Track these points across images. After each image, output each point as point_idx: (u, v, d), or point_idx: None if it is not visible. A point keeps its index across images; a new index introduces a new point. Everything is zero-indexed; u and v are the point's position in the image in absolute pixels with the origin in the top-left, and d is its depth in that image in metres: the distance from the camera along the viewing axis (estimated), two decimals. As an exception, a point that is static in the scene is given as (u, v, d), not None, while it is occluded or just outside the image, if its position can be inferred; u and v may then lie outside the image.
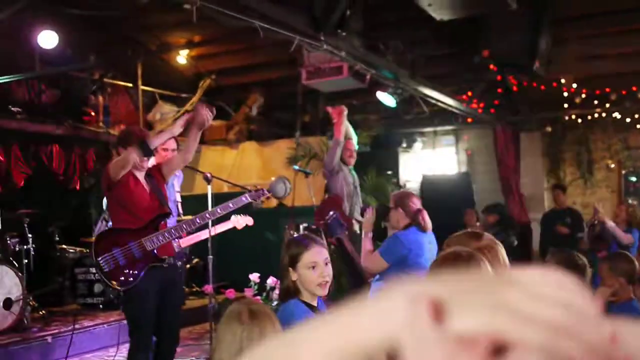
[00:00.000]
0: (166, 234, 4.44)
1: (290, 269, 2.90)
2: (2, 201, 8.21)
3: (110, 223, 5.68)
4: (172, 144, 5.28)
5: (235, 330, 2.12)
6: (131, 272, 4.31)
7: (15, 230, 7.88)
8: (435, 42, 9.14)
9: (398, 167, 11.64)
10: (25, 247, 7.80)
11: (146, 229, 4.41)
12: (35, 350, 6.59)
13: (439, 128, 12.42)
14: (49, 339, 6.79)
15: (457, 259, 2.34)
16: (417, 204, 4.72)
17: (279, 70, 11.56)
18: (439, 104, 9.82)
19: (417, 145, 12.61)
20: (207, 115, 4.62)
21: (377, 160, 10.25)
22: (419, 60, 8.95)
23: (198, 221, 4.75)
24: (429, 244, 4.67)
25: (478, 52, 9.22)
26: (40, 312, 7.62)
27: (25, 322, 7.22)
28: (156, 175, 4.67)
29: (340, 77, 7.59)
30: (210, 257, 5.71)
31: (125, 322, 6.68)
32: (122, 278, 4.30)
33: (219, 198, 5.82)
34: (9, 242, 7.56)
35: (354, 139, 7.74)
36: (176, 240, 5.57)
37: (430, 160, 12.64)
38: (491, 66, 9.90)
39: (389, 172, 10.80)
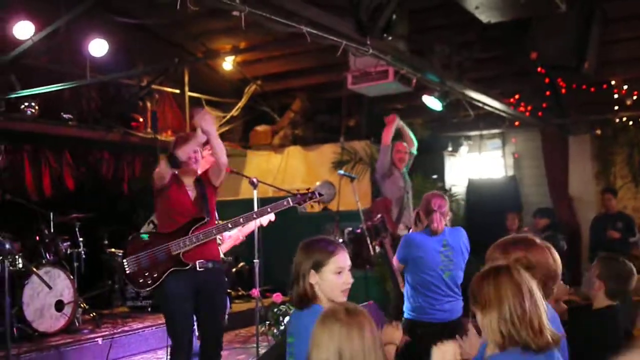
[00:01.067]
0: (193, 238, 4.46)
1: (313, 271, 2.86)
2: (54, 206, 8.41)
3: (151, 227, 5.79)
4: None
5: (333, 329, 2.12)
6: (151, 275, 4.39)
7: (67, 234, 8.07)
8: (481, 45, 9.03)
9: (444, 171, 11.55)
10: (76, 250, 7.98)
11: (177, 233, 4.47)
12: (86, 352, 6.72)
13: (485, 131, 12.27)
14: (99, 340, 6.92)
15: (498, 274, 2.36)
16: (435, 205, 4.64)
17: (324, 75, 11.58)
18: (486, 107, 9.70)
19: (463, 148, 12.47)
20: (201, 115, 4.64)
21: (423, 165, 10.16)
22: (465, 63, 8.85)
23: (230, 226, 4.76)
24: (440, 246, 4.61)
25: (526, 54, 9.08)
26: (91, 314, 7.77)
27: (77, 323, 7.38)
28: (205, 181, 4.72)
29: (386, 81, 7.56)
30: (257, 260, 5.75)
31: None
32: (142, 280, 4.39)
33: (265, 202, 5.85)
34: (60, 245, 7.74)
35: (413, 143, 7.74)
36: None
37: (476, 164, 12.49)
38: (539, 68, 9.74)
39: (435, 176, 10.72)
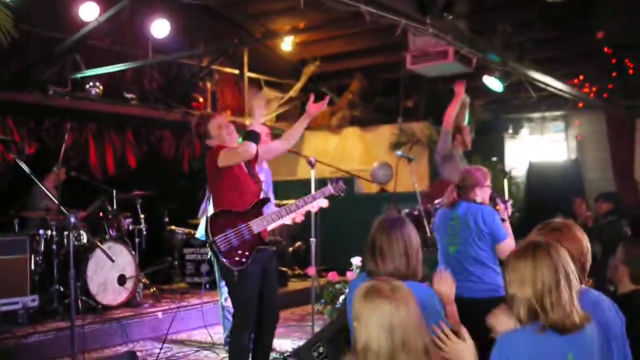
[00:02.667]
0: (269, 218, 4.55)
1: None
2: (117, 183, 8.64)
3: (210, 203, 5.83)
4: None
5: (381, 306, 2.13)
6: (243, 253, 4.43)
7: (129, 211, 8.28)
8: (544, 25, 8.80)
9: (504, 153, 11.36)
10: (137, 227, 8.19)
11: (251, 212, 4.51)
12: (146, 325, 6.91)
13: (547, 113, 12.00)
14: (159, 314, 7.10)
15: (536, 250, 2.37)
16: (457, 178, 4.71)
17: (382, 56, 11.50)
18: (548, 88, 9.46)
19: (524, 131, 12.24)
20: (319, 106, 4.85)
21: (482, 147, 10.01)
22: (527, 43, 8.65)
23: (294, 207, 4.79)
24: (449, 219, 4.60)
25: (590, 33, 8.82)
26: (151, 289, 7.98)
27: (138, 298, 7.59)
28: (251, 161, 4.74)
29: (445, 61, 7.43)
30: (313, 240, 5.78)
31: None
32: (237, 259, 4.41)
33: (321, 183, 5.87)
34: (123, 222, 7.95)
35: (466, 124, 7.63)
36: None
37: (537, 146, 12.24)
38: (605, 49, 9.45)
39: (494, 159, 10.54)
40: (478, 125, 10.97)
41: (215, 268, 5.60)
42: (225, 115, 10.98)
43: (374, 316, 2.12)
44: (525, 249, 2.42)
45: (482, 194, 4.64)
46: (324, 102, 5.06)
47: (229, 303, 5.57)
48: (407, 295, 2.21)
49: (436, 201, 7.09)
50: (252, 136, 4.43)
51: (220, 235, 4.38)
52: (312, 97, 5.08)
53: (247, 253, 4.42)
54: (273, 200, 5.86)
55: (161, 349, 6.13)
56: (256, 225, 4.47)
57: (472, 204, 4.57)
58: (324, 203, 5.48)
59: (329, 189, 4.92)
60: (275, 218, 4.64)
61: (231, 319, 5.62)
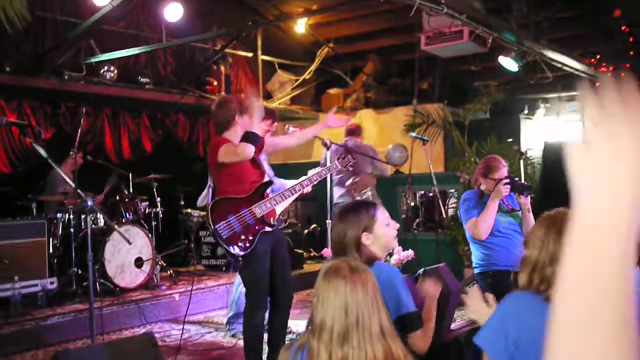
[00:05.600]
0: (272, 201, 4.62)
1: (366, 234, 2.95)
2: (132, 167, 8.69)
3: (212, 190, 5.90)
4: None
5: (338, 286, 2.17)
6: (247, 237, 4.47)
7: (145, 194, 8.34)
8: (560, 4, 8.71)
9: (519, 134, 11.27)
10: (154, 210, 8.25)
11: (253, 197, 4.56)
12: (163, 307, 6.97)
13: (563, 94, 11.89)
14: (176, 296, 7.16)
15: (548, 217, 2.43)
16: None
17: (396, 37, 11.44)
18: (564, 68, 9.38)
19: (540, 111, 12.13)
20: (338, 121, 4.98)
21: (497, 128, 9.96)
22: (543, 22, 8.57)
23: (298, 188, 4.88)
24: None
25: (608, 12, 8.70)
26: (168, 272, 8.04)
27: (155, 280, 7.66)
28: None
29: (460, 41, 7.40)
30: (329, 221, 5.79)
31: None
32: (240, 244, 4.46)
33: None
34: (139, 205, 8.01)
35: None
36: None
37: (553, 127, 12.14)
38: (623, 27, 9.33)
39: (510, 140, 10.48)
40: (493, 107, 10.93)
41: None
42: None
43: (330, 295, 2.16)
44: (542, 217, 2.47)
45: (487, 184, 4.77)
46: (347, 119, 5.13)
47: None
48: (366, 276, 2.22)
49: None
50: (251, 137, 4.49)
51: (222, 222, 4.43)
52: (334, 109, 5.25)
53: (250, 238, 4.47)
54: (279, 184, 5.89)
55: (183, 329, 6.18)
56: (259, 209, 4.53)
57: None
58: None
59: (335, 164, 5.01)
60: (279, 200, 4.69)
61: (239, 303, 5.70)
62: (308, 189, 5.48)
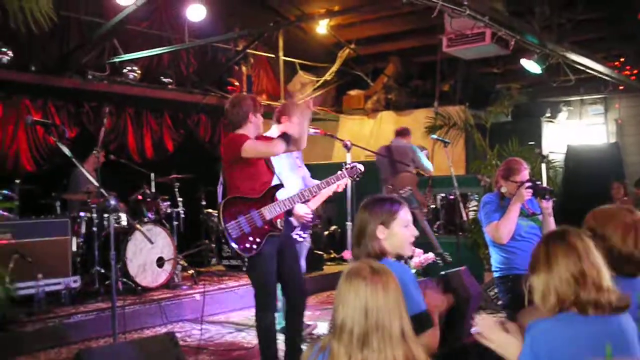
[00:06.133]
0: (282, 204, 4.64)
1: (382, 227, 2.93)
2: (155, 166, 8.75)
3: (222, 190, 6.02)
4: None
5: (359, 287, 2.16)
6: (255, 239, 4.51)
7: (167, 194, 8.39)
8: (584, 6, 8.64)
9: (541, 137, 11.21)
10: (175, 210, 8.29)
11: (264, 199, 4.60)
12: (185, 306, 7.01)
13: (586, 96, 11.80)
14: (197, 296, 7.20)
15: (549, 237, 2.46)
16: None
17: (418, 39, 11.43)
18: (587, 70, 9.30)
19: (562, 114, 12.05)
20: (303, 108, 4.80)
21: (519, 131, 9.90)
22: (566, 24, 8.51)
23: (307, 194, 4.92)
24: None
25: (632, 14, 8.61)
26: (189, 272, 8.08)
27: (176, 280, 7.70)
28: None
29: (482, 43, 7.35)
30: (349, 223, 5.79)
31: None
32: (247, 245, 4.49)
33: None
34: (161, 204, 8.06)
35: None
36: (305, 203, 5.72)
37: (576, 130, 12.05)
38: (647, 30, 9.25)
39: (531, 143, 10.42)
40: (515, 109, 10.88)
41: None
42: (260, 99, 11.02)
43: (351, 296, 2.16)
44: (543, 238, 2.49)
45: (508, 186, 4.73)
46: (310, 101, 5.04)
47: None
48: (388, 278, 2.21)
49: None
50: (286, 137, 4.58)
51: (232, 222, 4.46)
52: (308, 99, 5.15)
53: (258, 240, 4.50)
54: (311, 183, 5.93)
55: (202, 329, 6.21)
56: (268, 212, 4.56)
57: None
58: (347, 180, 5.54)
59: (344, 173, 5.03)
60: (289, 204, 4.72)
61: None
62: (329, 192, 5.53)
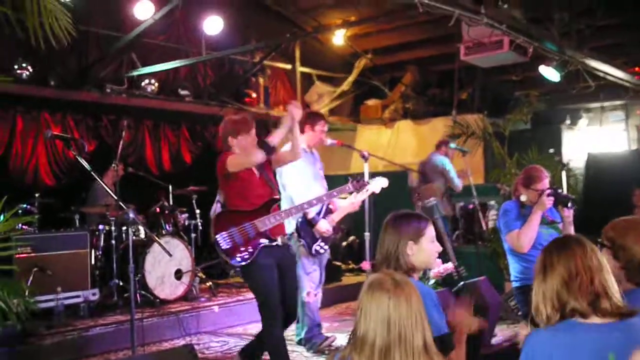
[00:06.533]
0: (277, 216, 4.70)
1: (411, 244, 2.92)
2: (172, 179, 8.77)
3: (219, 206, 6.10)
4: None
5: (382, 299, 2.14)
6: (247, 249, 4.56)
7: (185, 206, 8.40)
8: (603, 12, 8.55)
9: (561, 145, 11.10)
10: (193, 222, 8.30)
11: (259, 212, 4.66)
12: (203, 319, 7.00)
13: (606, 103, 11.67)
14: (215, 308, 7.19)
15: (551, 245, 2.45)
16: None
17: (435, 48, 11.38)
18: (607, 77, 9.20)
19: (582, 121, 11.93)
20: (294, 110, 4.79)
21: (539, 138, 9.81)
22: (584, 31, 8.43)
23: (305, 206, 5.04)
24: None
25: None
26: (207, 284, 8.08)
27: (194, 292, 7.70)
28: (266, 163, 4.86)
29: (500, 51, 7.30)
30: (367, 233, 5.76)
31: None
32: (239, 255, 4.56)
33: (375, 177, 5.85)
34: (179, 217, 8.08)
35: None
36: (328, 215, 5.71)
37: (596, 137, 11.92)
38: (667, 35, 9.14)
39: (551, 151, 10.32)
40: (534, 117, 10.78)
41: (298, 265, 5.66)
42: (278, 110, 11.04)
43: (373, 308, 2.14)
44: (545, 247, 2.46)
45: (528, 194, 4.67)
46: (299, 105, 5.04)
47: (310, 299, 5.63)
48: (410, 290, 2.19)
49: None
50: (265, 146, 4.65)
51: (223, 233, 4.53)
52: (293, 102, 5.04)
53: (250, 250, 4.56)
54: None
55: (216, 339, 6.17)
56: (261, 223, 4.62)
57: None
58: (377, 188, 5.54)
59: (349, 186, 5.13)
60: (284, 216, 4.79)
61: (310, 315, 5.70)
62: (356, 206, 5.56)
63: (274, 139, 4.78)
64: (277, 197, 4.85)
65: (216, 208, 6.71)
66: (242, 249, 4.55)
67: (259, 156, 4.60)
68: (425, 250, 2.97)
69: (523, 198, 4.71)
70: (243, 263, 4.54)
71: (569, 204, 4.59)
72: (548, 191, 4.55)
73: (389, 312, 2.11)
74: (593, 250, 2.35)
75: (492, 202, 8.75)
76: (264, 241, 4.61)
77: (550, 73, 8.36)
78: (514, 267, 4.80)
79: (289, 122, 4.80)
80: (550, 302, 2.30)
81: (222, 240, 4.53)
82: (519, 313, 5.25)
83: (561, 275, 2.29)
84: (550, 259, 2.35)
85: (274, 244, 4.68)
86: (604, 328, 2.24)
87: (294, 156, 5.00)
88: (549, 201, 4.53)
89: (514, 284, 4.85)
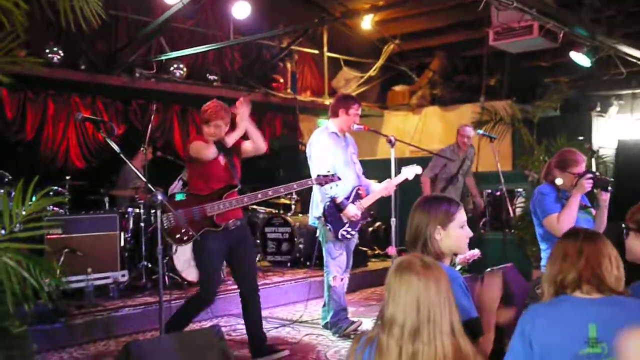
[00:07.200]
0: (227, 203, 4.83)
1: (440, 228, 2.87)
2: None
3: (181, 184, 6.30)
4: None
5: (411, 281, 2.15)
6: (186, 232, 4.77)
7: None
8: (635, -3, 8.43)
9: (591, 132, 10.97)
10: (220, 205, 8.34)
11: (211, 197, 4.82)
12: (230, 301, 7.04)
13: (638, 90, 11.50)
14: (242, 291, 7.23)
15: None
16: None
17: (463, 33, 11.28)
18: (639, 63, 9.07)
19: (613, 109, 11.77)
20: (241, 108, 5.02)
21: (568, 125, 9.71)
22: (616, 17, 8.31)
23: (259, 196, 5.11)
24: None
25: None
26: (234, 267, 8.13)
27: (222, 275, 7.75)
28: (233, 150, 5.02)
29: (530, 36, 7.22)
30: (394, 219, 5.77)
31: (313, 280, 6.98)
32: (178, 236, 4.80)
33: (402, 163, 5.84)
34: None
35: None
36: (357, 200, 5.71)
37: (627, 124, 11.75)
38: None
39: (581, 138, 10.20)
40: (563, 104, 10.66)
41: (323, 248, 5.73)
42: (305, 95, 11.05)
43: (402, 290, 2.15)
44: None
45: (564, 178, 4.56)
46: (247, 98, 5.24)
47: (335, 283, 5.66)
48: (439, 273, 2.20)
49: None
50: (219, 144, 4.83)
51: (170, 214, 4.76)
52: (241, 99, 5.20)
53: (190, 233, 4.75)
54: (365, 182, 5.95)
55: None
56: (211, 208, 4.79)
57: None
58: (410, 175, 5.58)
59: (311, 180, 5.21)
60: (235, 204, 4.89)
61: (336, 299, 5.75)
62: (390, 191, 5.58)
63: (230, 139, 4.93)
64: (235, 184, 4.96)
65: (176, 186, 6.86)
66: (183, 230, 4.76)
67: (211, 151, 4.78)
68: (454, 236, 2.91)
69: (559, 182, 4.56)
70: (179, 244, 4.90)
71: (609, 187, 4.49)
72: (587, 175, 4.45)
73: (418, 293, 2.12)
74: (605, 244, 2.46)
75: (520, 189, 8.69)
76: (207, 226, 4.80)
77: (581, 59, 8.26)
78: (546, 253, 4.71)
79: (243, 122, 4.98)
80: (552, 281, 2.46)
81: (166, 220, 4.78)
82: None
83: (568, 254, 2.44)
84: (560, 247, 2.49)
85: (219, 229, 4.84)
86: (590, 302, 2.37)
87: (257, 149, 5.10)
88: (588, 184, 4.42)
89: (544, 270, 4.80)
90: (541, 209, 4.56)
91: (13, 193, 3.62)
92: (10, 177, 6.81)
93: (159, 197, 4.63)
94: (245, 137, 5.08)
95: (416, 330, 2.11)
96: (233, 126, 5.01)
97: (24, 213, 3.07)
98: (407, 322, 2.12)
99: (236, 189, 4.98)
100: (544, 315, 2.38)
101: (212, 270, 4.96)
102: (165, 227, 4.76)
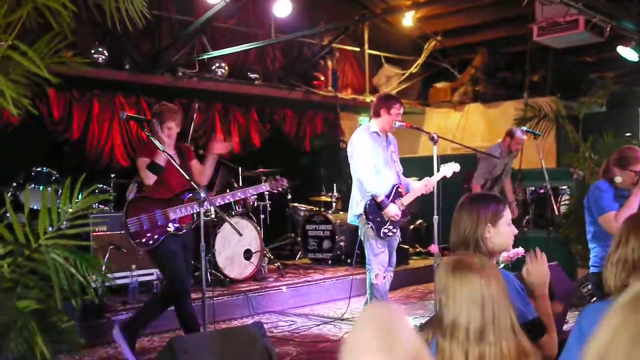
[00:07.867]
0: (188, 207, 4.98)
1: (490, 226, 2.84)
2: (242, 161, 8.90)
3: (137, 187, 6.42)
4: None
5: (473, 281, 2.10)
6: (152, 236, 4.91)
7: (254, 188, 8.50)
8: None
9: (638, 128, 10.71)
10: (262, 203, 8.42)
11: (173, 201, 4.97)
12: (271, 298, 7.12)
13: (687, 85, 11.19)
14: (284, 288, 7.29)
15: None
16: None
17: (506, 29, 11.13)
18: (689, 58, 8.82)
19: (661, 104, 11.48)
20: (221, 147, 5.28)
21: (615, 121, 9.51)
22: (666, 10, 8.09)
23: (220, 201, 5.27)
24: None
25: None
26: (276, 264, 8.19)
27: (263, 272, 7.83)
28: (186, 152, 5.30)
29: (575, 31, 7.09)
30: (436, 217, 5.73)
31: (354, 277, 6.97)
32: (144, 240, 4.92)
33: (443, 160, 5.79)
34: (248, 198, 8.19)
35: None
36: (398, 199, 5.68)
37: (676, 120, 11.46)
38: None
39: (628, 134, 9.98)
40: (609, 99, 10.44)
41: (365, 246, 5.71)
42: (346, 93, 11.03)
43: (464, 291, 2.08)
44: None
45: (624, 176, 4.45)
46: (229, 144, 5.59)
47: (378, 281, 5.65)
48: (496, 270, 2.17)
49: None
50: (153, 168, 4.89)
51: (133, 218, 4.90)
52: (217, 136, 5.61)
53: (156, 236, 4.90)
54: (404, 180, 5.92)
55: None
56: (173, 213, 4.94)
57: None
58: (449, 172, 5.55)
59: (264, 186, 5.45)
60: (191, 210, 5.01)
61: (378, 297, 5.74)
62: (430, 188, 5.57)
63: (203, 179, 5.17)
64: (194, 188, 4.97)
65: (133, 189, 6.98)
66: (148, 234, 4.89)
67: (149, 178, 4.90)
68: (503, 233, 2.90)
69: (618, 180, 4.46)
70: (144, 248, 4.98)
71: None
72: None
73: (482, 292, 2.07)
74: None
75: (565, 187, 8.54)
76: (170, 229, 4.92)
77: (628, 53, 8.09)
78: (596, 252, 4.59)
79: (211, 156, 5.24)
80: (623, 264, 2.41)
81: (131, 224, 4.90)
82: (593, 300, 5.11)
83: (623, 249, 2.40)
84: (625, 229, 2.44)
85: (181, 232, 4.99)
86: None
87: (197, 180, 5.12)
88: None
89: (593, 269, 4.68)
90: (597, 206, 4.47)
91: (60, 191, 3.71)
92: (57, 176, 6.96)
93: (202, 194, 4.69)
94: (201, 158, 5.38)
95: (482, 331, 2.05)
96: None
97: (70, 210, 3.13)
98: (472, 324, 2.05)
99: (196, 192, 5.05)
100: (592, 316, 2.29)
101: (182, 269, 5.05)
102: (131, 231, 4.91)
